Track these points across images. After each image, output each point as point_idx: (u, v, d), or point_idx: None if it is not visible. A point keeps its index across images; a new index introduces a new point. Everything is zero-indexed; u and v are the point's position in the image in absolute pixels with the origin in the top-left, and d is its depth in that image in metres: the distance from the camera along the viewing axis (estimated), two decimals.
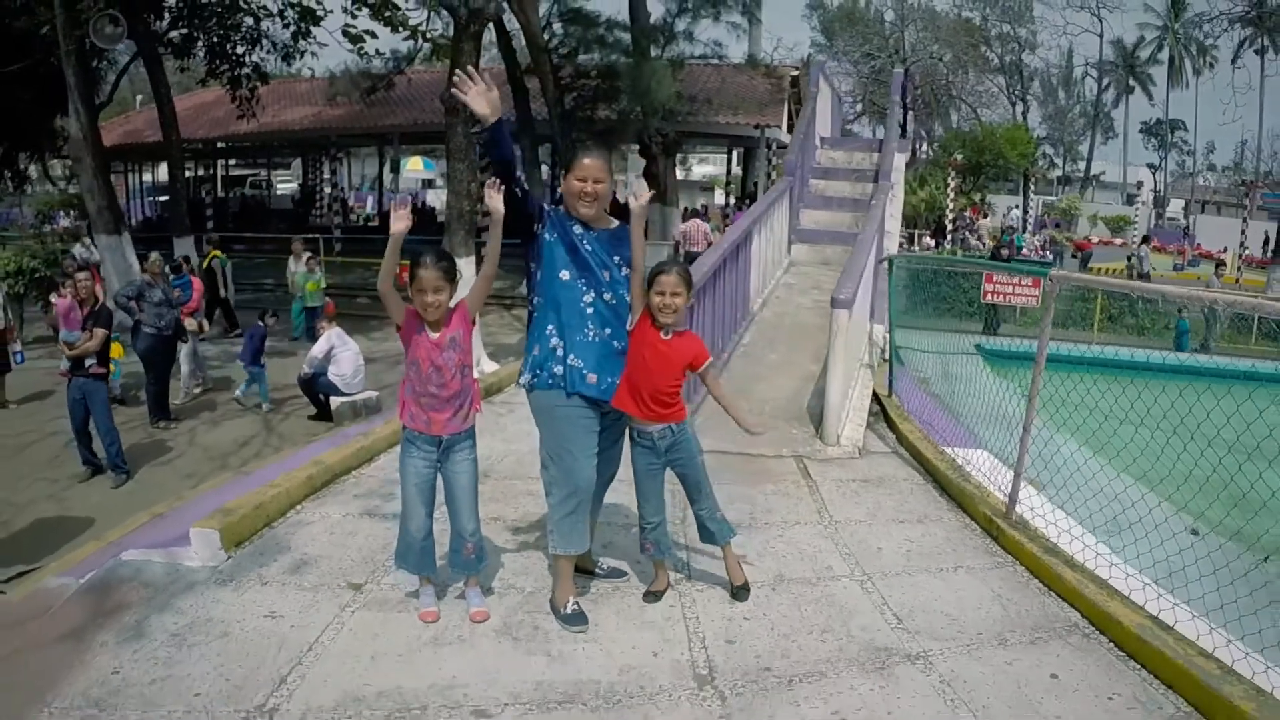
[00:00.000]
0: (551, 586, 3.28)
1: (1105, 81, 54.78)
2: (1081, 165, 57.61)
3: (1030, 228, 34.19)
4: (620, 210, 3.27)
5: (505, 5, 14.59)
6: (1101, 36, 46.43)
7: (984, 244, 29.60)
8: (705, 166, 37.72)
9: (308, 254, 14.42)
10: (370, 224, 31.87)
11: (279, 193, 37.88)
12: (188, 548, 3.74)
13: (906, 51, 39.66)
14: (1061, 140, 56.06)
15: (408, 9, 13.76)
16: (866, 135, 40.90)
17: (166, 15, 17.20)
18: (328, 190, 28.76)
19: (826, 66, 40.36)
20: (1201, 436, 3.97)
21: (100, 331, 6.72)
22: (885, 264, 8.26)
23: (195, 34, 17.81)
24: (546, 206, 3.17)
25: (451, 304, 3.10)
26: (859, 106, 42.46)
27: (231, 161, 34.92)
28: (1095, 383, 4.95)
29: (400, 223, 3.05)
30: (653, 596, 3.33)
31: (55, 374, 10.64)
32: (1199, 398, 4.08)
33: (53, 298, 10.41)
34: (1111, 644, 3.17)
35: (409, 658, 2.88)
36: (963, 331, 12.45)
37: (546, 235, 3.12)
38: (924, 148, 46.64)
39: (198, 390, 9.62)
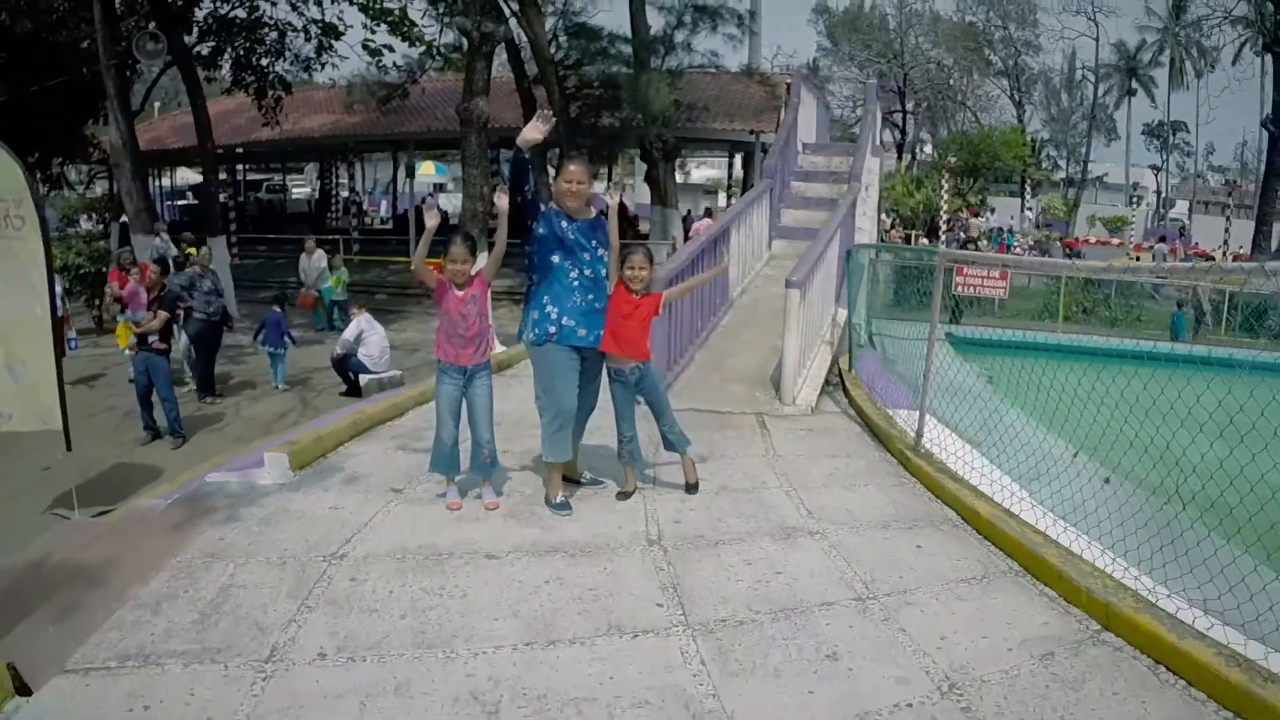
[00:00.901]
0: (546, 493, 4.31)
1: (1107, 85, 55.44)
2: (1087, 167, 58.23)
3: (1023, 227, 35.05)
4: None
5: (513, 21, 15.69)
6: (1097, 41, 47.20)
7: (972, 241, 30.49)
8: (706, 170, 38.79)
9: (320, 251, 15.50)
10: (385, 226, 33.00)
11: (293, 197, 39.04)
12: (261, 469, 4.77)
13: (906, 58, 40.58)
14: (1065, 143, 56.72)
15: (423, 25, 14.87)
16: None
17: (195, 29, 18.35)
18: (344, 195, 29.93)
19: (830, 70, 40.98)
20: (1135, 407, 4.84)
21: (163, 313, 7.80)
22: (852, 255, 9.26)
23: (222, 46, 18.95)
24: (542, 205, 4.20)
25: (472, 272, 4.15)
26: (859, 111, 43.52)
27: (246, 166, 36.11)
28: (1046, 365, 5.91)
29: (433, 220, 4.09)
30: (623, 496, 4.37)
31: (102, 360, 11.78)
32: (1130, 377, 4.97)
33: (108, 289, 11.48)
34: (974, 530, 4.16)
35: (439, 529, 3.92)
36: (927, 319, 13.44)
37: (541, 229, 4.15)
38: (929, 150, 47.59)
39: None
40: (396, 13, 14.20)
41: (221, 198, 31.62)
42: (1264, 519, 3.59)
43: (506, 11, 15.47)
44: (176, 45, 14.95)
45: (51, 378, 6.31)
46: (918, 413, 6.04)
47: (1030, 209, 41.40)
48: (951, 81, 45.04)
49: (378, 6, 14.61)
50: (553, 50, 17.02)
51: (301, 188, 41.07)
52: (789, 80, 22.42)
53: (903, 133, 42.23)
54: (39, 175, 24.43)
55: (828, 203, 11.37)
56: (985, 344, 12.06)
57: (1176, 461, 4.09)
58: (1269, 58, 29.72)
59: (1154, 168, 59.30)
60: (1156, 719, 2.62)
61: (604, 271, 4.23)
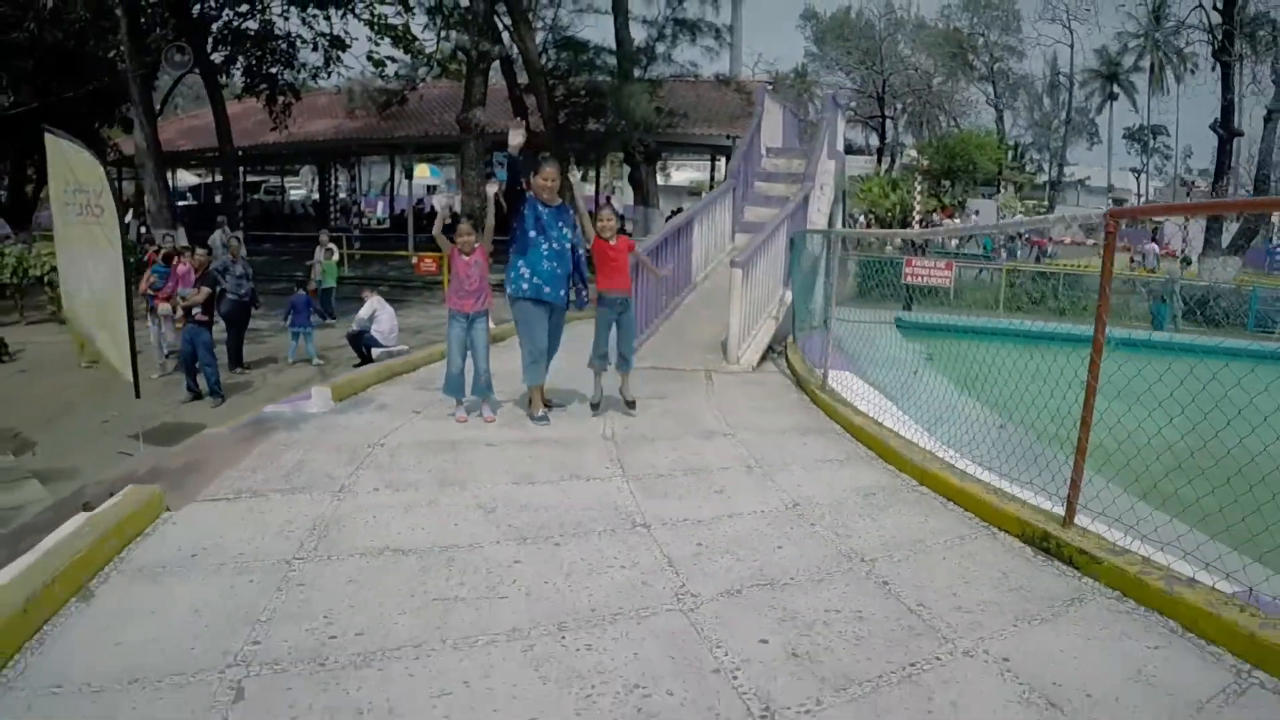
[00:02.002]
0: (527, 409, 5.68)
1: (1089, 90, 57.00)
2: (1068, 170, 59.83)
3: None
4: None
5: (507, 35, 17.05)
6: (1072, 48, 48.91)
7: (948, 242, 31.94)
8: (689, 172, 40.22)
9: (331, 245, 16.84)
10: (382, 226, 34.28)
11: (290, 198, 40.27)
12: (309, 401, 6.11)
13: (885, 64, 42.09)
14: (1047, 146, 58.33)
15: (423, 39, 16.24)
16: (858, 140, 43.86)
17: (210, 40, 19.72)
18: (343, 196, 31.24)
19: (818, 74, 42.32)
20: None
21: (206, 289, 9.15)
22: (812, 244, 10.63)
23: (235, 55, 20.32)
24: (527, 194, 5.57)
25: (475, 244, 5.52)
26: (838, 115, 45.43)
27: (245, 169, 37.26)
28: (975, 344, 7.28)
29: (443, 202, 5.46)
30: (594, 408, 5.77)
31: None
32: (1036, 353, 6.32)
33: (147, 273, 12.73)
34: (849, 436, 5.54)
35: (451, 431, 5.30)
36: (888, 308, 14.88)
37: (525, 210, 5.53)
38: (913, 154, 49.15)
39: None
40: (400, 29, 15.57)
41: (216, 198, 32.91)
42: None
43: (500, 26, 16.85)
44: (199, 55, 16.30)
45: (125, 338, 7.63)
46: (843, 370, 7.48)
47: (1020, 210, 42.81)
48: (934, 86, 46.51)
49: (383, 22, 16.02)
50: (543, 61, 18.39)
51: (298, 189, 42.32)
52: (768, 87, 23.98)
53: (882, 137, 43.73)
54: None
55: (786, 201, 12.75)
56: (928, 327, 13.59)
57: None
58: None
59: (1134, 170, 60.78)
60: (933, 523, 3.99)
61: (568, 246, 5.62)
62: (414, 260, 18.25)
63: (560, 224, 5.57)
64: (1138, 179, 59.59)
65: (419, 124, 24.63)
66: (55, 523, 4.10)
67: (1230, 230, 28.36)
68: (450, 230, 5.69)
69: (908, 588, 3.20)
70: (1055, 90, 57.22)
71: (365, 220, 35.70)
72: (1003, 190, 41.84)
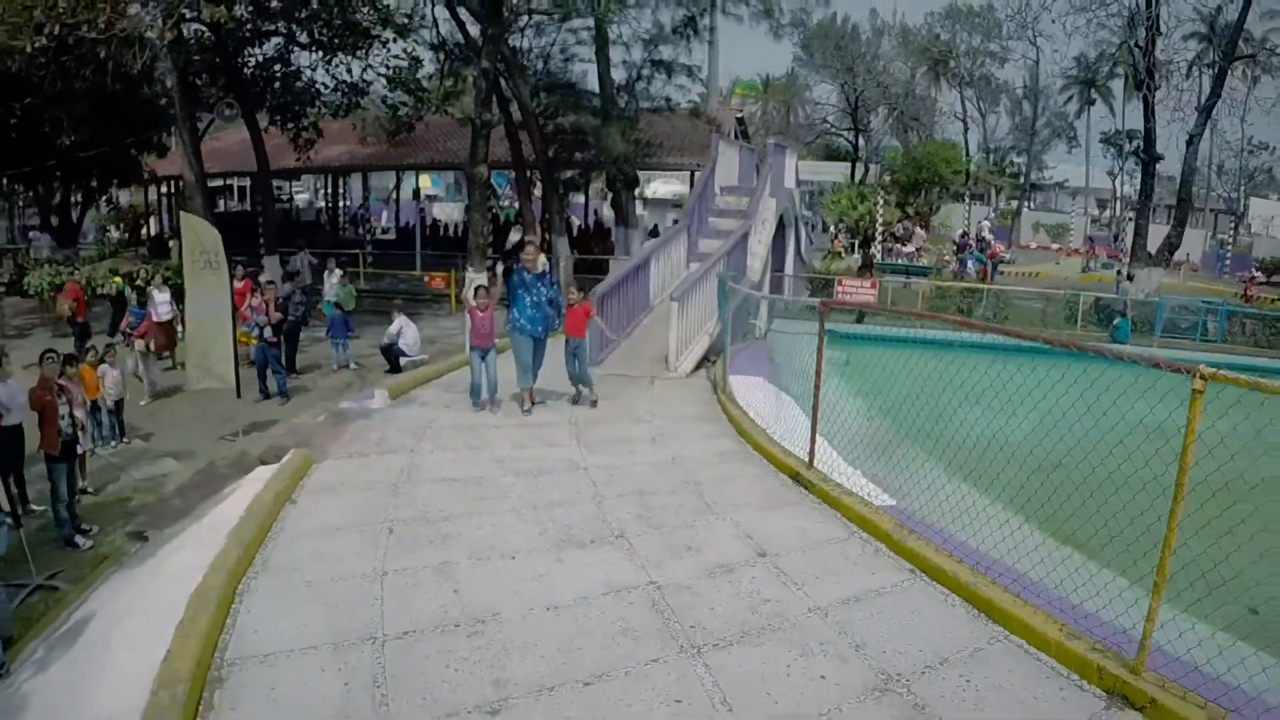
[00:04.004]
0: (519, 405, 8.71)
1: (1068, 94, 59.92)
2: (1048, 173, 62.74)
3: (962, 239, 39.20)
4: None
5: (503, 82, 20.00)
6: (1038, 63, 51.76)
7: (915, 251, 34.76)
8: (673, 185, 42.70)
9: (339, 271, 19.66)
10: (386, 236, 37.17)
11: (298, 205, 43.01)
12: (373, 400, 9.13)
13: (856, 81, 44.95)
14: (1028, 150, 61.24)
15: (431, 90, 19.18)
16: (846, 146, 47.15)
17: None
18: (351, 203, 34.12)
19: (807, 79, 44.99)
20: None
21: (278, 315, 12.16)
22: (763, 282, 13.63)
23: (265, 94, 23.19)
24: (515, 267, 8.58)
25: (488, 302, 8.54)
26: (824, 124, 49.23)
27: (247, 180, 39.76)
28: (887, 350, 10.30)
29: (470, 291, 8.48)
30: (571, 400, 8.79)
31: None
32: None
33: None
34: (728, 421, 8.55)
35: (470, 419, 8.34)
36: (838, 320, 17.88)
37: (514, 278, 8.54)
38: (882, 171, 52.14)
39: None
40: (413, 82, 18.53)
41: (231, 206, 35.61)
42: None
43: (495, 72, 19.77)
44: (240, 99, 19.25)
45: (229, 354, 10.61)
46: (757, 376, 10.45)
47: (987, 219, 45.84)
48: (915, 93, 49.18)
49: (398, 76, 18.98)
50: (534, 104, 21.32)
51: (301, 194, 45.19)
52: (738, 113, 26.92)
53: (855, 149, 46.69)
54: (102, 196, 28.69)
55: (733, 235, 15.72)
56: (852, 337, 16.61)
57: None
58: (1211, 72, 34.77)
59: (1110, 173, 63.67)
60: (747, 469, 7.00)
61: (544, 299, 8.62)
62: (426, 279, 21.27)
63: (539, 284, 8.58)
64: (1114, 181, 62.53)
65: (425, 150, 27.46)
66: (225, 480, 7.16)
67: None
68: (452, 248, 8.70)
69: (711, 495, 6.24)
70: (1035, 97, 60.16)
71: (373, 231, 38.60)
72: (965, 199, 44.77)
